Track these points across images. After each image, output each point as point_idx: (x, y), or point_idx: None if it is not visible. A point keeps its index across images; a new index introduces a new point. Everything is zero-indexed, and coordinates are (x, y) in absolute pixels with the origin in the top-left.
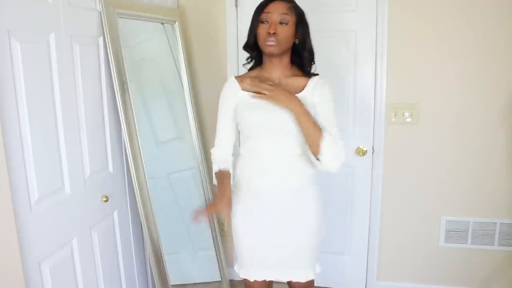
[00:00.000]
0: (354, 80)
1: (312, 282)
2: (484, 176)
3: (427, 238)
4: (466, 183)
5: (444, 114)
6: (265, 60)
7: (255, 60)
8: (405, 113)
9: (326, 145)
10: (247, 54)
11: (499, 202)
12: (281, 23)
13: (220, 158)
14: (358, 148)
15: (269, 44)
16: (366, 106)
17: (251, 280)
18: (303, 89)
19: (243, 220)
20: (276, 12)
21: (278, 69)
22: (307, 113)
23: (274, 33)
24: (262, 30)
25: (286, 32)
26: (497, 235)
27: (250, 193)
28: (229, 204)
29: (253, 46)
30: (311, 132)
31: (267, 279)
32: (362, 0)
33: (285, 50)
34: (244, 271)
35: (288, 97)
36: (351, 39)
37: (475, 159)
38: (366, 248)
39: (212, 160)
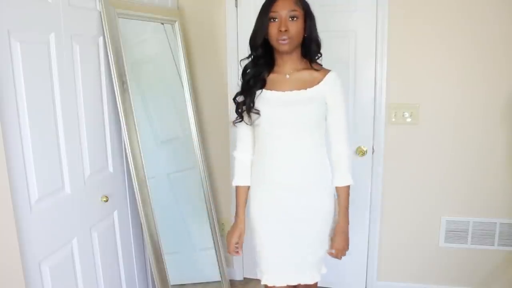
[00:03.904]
0: (354, 80)
1: (316, 283)
2: (484, 176)
3: (427, 238)
4: (466, 183)
5: (444, 114)
6: (276, 55)
7: (261, 58)
8: (405, 113)
9: (349, 172)
10: (246, 54)
11: (499, 202)
12: (291, 18)
13: (241, 166)
14: (358, 148)
15: (282, 43)
16: (366, 106)
17: (270, 285)
18: (318, 83)
19: (259, 218)
20: (284, 9)
21: (289, 64)
22: (347, 210)
23: (285, 31)
24: (272, 28)
25: (297, 28)
26: (497, 235)
27: (265, 189)
28: (239, 236)
29: (262, 45)
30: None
31: (286, 284)
32: (362, 0)
33: (297, 46)
34: (266, 276)
35: (345, 240)
36: (351, 39)
37: (475, 159)
38: (366, 248)
39: (234, 165)
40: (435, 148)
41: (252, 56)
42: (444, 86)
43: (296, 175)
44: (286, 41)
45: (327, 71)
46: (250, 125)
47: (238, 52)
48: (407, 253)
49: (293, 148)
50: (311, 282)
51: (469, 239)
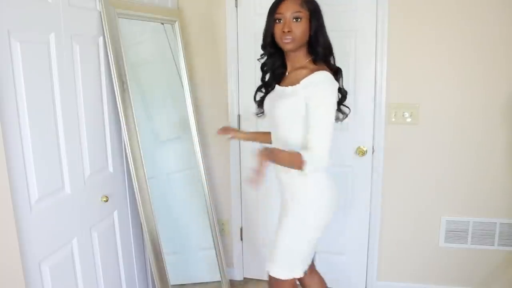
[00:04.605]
0: (354, 80)
1: (275, 283)
2: (484, 176)
3: (427, 238)
4: (466, 183)
5: (444, 114)
6: (285, 53)
7: (274, 57)
8: (405, 113)
9: (306, 163)
10: (246, 54)
11: (499, 202)
12: (295, 19)
13: None
14: (358, 148)
15: (285, 42)
16: (366, 106)
17: None
18: (299, 82)
19: None
20: (288, 10)
21: (291, 62)
22: (278, 156)
23: (289, 31)
24: (277, 29)
25: (300, 28)
26: (497, 235)
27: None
28: (234, 130)
29: (271, 44)
30: (290, 164)
31: None
32: (362, 0)
33: (301, 45)
34: None
35: (270, 157)
36: (351, 39)
37: (475, 159)
38: (366, 248)
39: None
40: (435, 148)
41: (266, 55)
42: (444, 86)
43: (275, 167)
44: (289, 41)
45: (316, 71)
46: (259, 115)
47: (238, 52)
48: (407, 253)
49: (275, 140)
50: (266, 269)
51: (469, 239)
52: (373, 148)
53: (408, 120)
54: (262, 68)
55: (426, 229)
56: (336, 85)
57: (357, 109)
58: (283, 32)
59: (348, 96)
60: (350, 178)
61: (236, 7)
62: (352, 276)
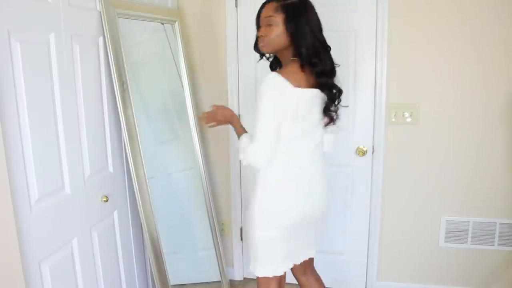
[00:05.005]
0: (354, 80)
1: (258, 279)
2: (484, 176)
3: (427, 238)
4: (466, 183)
5: (444, 114)
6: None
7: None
8: (405, 113)
9: (239, 147)
10: (246, 54)
11: (499, 202)
12: (268, 25)
13: None
14: (358, 148)
15: (260, 46)
16: (366, 106)
17: None
18: None
19: None
20: (264, 16)
21: (281, 63)
22: (237, 123)
23: (261, 36)
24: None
25: (271, 33)
26: (497, 235)
27: None
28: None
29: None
30: (236, 134)
31: None
32: (362, 0)
33: (279, 48)
34: None
35: (225, 118)
36: (351, 39)
37: (475, 159)
38: (366, 248)
39: None
40: (435, 148)
41: (260, 55)
42: (444, 86)
43: None
44: (262, 45)
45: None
46: None
47: (238, 52)
48: (407, 253)
49: None
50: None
51: (469, 239)
52: (373, 148)
53: (408, 120)
54: (270, 67)
55: (426, 229)
56: (286, 89)
57: (357, 109)
58: (258, 37)
59: (348, 96)
60: (350, 178)
61: (236, 7)
62: (352, 276)
